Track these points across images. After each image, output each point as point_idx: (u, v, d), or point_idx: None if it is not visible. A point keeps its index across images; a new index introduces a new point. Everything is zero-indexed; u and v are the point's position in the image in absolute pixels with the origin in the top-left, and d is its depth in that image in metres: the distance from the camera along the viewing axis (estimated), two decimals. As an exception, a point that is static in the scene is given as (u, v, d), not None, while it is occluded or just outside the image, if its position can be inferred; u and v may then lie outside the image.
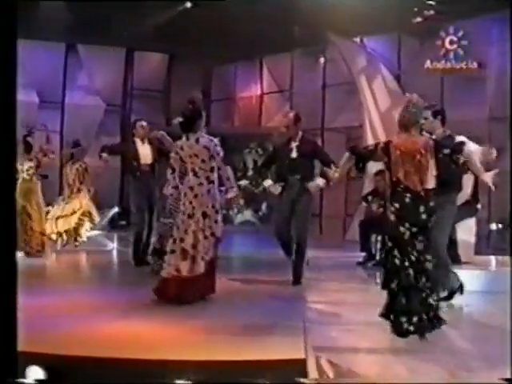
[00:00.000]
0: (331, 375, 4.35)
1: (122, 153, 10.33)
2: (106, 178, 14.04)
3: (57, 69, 17.72)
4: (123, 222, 16.48)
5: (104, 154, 9.87)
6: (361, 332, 5.76)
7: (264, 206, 16.84)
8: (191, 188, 7.04)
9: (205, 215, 6.99)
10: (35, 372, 4.40)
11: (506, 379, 4.24)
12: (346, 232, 15.72)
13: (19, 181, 10.63)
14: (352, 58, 15.43)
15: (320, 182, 8.23)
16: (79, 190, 11.85)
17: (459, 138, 7.20)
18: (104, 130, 17.86)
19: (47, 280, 8.69)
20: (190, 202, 7.01)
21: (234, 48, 17.34)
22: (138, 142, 9.73)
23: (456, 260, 9.58)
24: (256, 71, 18.83)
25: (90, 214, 11.92)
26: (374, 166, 9.13)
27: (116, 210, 15.69)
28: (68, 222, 11.64)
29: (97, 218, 12.21)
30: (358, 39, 15.98)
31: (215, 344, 5.10)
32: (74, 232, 11.78)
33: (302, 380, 4.22)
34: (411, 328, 5.43)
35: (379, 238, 9.73)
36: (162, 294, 6.88)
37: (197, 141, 7.01)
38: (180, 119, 7.04)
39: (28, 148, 10.73)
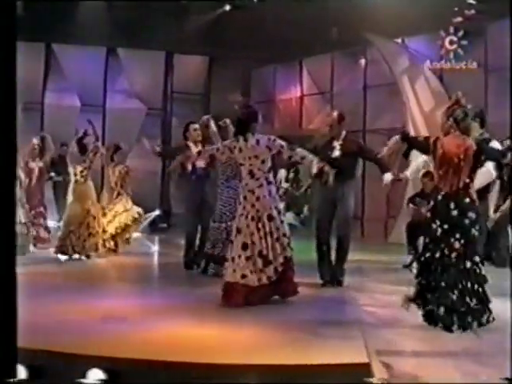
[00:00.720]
0: (397, 379, 4.31)
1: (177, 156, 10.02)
2: (147, 182, 14.15)
3: (98, 73, 17.86)
4: (164, 225, 16.57)
5: (157, 148, 9.86)
6: (417, 335, 5.71)
7: (305, 209, 16.72)
8: (252, 191, 6.99)
9: (270, 218, 6.95)
10: (96, 375, 4.39)
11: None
12: (387, 234, 15.55)
13: (72, 184, 10.79)
14: (394, 59, 15.26)
15: (389, 175, 8.17)
16: (121, 194, 11.85)
17: (494, 143, 7.18)
18: (145, 134, 17.61)
19: (102, 282, 8.70)
20: (253, 205, 6.97)
21: (274, 50, 17.24)
22: (192, 145, 9.53)
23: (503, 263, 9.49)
24: (296, 73, 18.70)
25: (134, 217, 11.89)
26: (414, 167, 9.11)
27: (157, 212, 15.72)
28: (112, 225, 11.63)
29: (141, 221, 12.25)
30: (399, 40, 15.78)
31: (275, 348, 5.06)
32: (119, 235, 11.77)
33: (370, 380, 4.18)
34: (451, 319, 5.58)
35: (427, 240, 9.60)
36: (230, 299, 6.82)
37: (257, 142, 7.00)
38: (227, 121, 6.98)
39: (83, 150, 10.78)
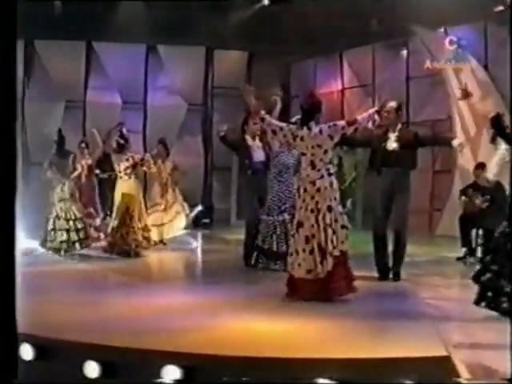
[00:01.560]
0: (480, 374, 4.22)
1: (236, 149, 9.98)
2: (189, 177, 14.14)
3: (138, 70, 17.86)
4: (206, 220, 16.54)
5: (222, 132, 9.70)
6: (493, 327, 5.58)
7: (349, 203, 16.60)
8: (312, 182, 6.90)
9: (330, 209, 6.84)
10: (172, 371, 4.33)
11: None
12: (431, 227, 15.37)
13: (118, 181, 10.88)
14: (438, 50, 15.04)
15: (456, 140, 8.15)
16: (173, 189, 11.93)
17: None
18: (186, 130, 18.01)
19: (155, 279, 8.74)
20: (312, 197, 6.87)
21: (313, 43, 17.11)
22: (249, 138, 9.54)
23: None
24: (336, 66, 18.49)
25: (182, 213, 11.98)
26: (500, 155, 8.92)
27: (199, 208, 15.72)
28: (170, 226, 11.75)
29: (188, 216, 12.35)
30: (441, 30, 15.50)
31: (350, 341, 5.00)
32: (166, 230, 11.86)
33: (459, 380, 4.08)
34: None
35: (480, 232, 9.47)
36: (294, 293, 6.79)
37: (320, 131, 6.93)
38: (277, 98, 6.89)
39: (121, 148, 10.84)
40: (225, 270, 9.17)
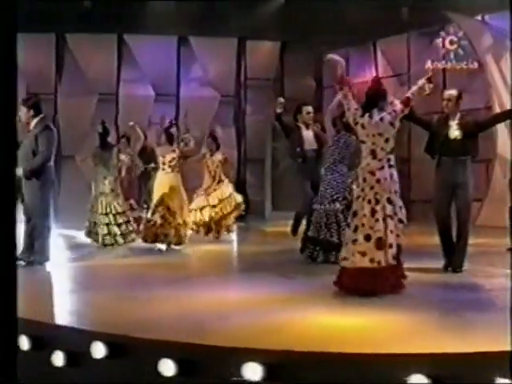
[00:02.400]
0: None
1: (288, 133, 9.78)
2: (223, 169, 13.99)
3: (170, 61, 17.77)
4: (242, 213, 16.32)
5: (279, 109, 9.50)
6: None
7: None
8: (372, 172, 6.67)
9: (390, 201, 6.63)
10: (252, 369, 4.23)
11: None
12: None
13: (159, 173, 10.70)
14: (476, 37, 14.78)
15: None
16: (221, 181, 11.81)
17: None
18: (218, 122, 17.65)
19: (212, 272, 8.59)
20: (372, 188, 6.64)
21: (346, 33, 16.82)
22: (303, 127, 9.48)
23: None
24: (369, 55, 18.23)
25: (235, 204, 11.95)
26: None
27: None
28: (214, 211, 11.66)
29: (242, 208, 12.28)
30: (479, 17, 15.30)
31: (434, 336, 4.81)
32: (218, 222, 11.80)
33: None
34: None
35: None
36: (347, 285, 6.60)
37: (381, 119, 6.71)
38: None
39: (171, 139, 10.67)
40: (276, 263, 9.02)
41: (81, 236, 11.27)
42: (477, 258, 8.60)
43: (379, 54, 18.04)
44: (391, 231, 6.57)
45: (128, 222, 10.95)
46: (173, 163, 10.57)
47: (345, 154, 8.72)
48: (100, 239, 10.77)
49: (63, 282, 7.87)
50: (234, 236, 12.60)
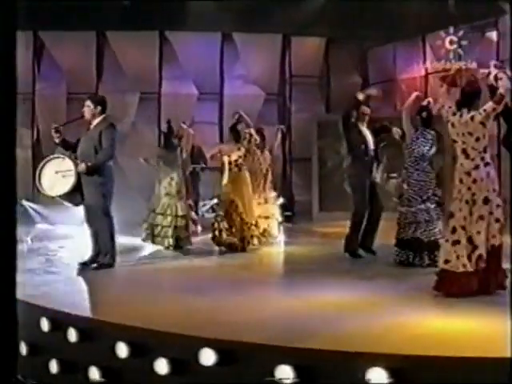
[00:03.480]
0: None
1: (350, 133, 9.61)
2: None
3: (213, 59, 17.41)
4: (288, 213, 15.93)
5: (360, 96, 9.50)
6: None
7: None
8: (467, 173, 6.54)
9: (486, 201, 6.49)
10: (377, 374, 4.14)
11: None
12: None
13: (225, 174, 10.45)
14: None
15: None
16: (269, 181, 11.50)
17: None
18: (263, 120, 16.88)
19: (288, 274, 8.50)
20: (469, 188, 6.51)
21: (393, 27, 16.47)
22: (361, 126, 9.43)
23: None
24: (418, 50, 17.59)
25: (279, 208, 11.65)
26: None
27: (281, 200, 15.17)
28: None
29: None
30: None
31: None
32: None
33: None
34: None
35: None
36: (444, 287, 6.49)
37: (472, 118, 6.55)
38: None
39: (237, 137, 10.46)
40: (348, 265, 8.98)
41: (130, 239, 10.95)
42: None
43: (428, 48, 17.35)
44: (480, 233, 6.44)
45: (187, 225, 10.66)
46: (239, 162, 10.30)
47: (424, 151, 8.47)
48: (160, 241, 10.52)
49: (145, 286, 7.62)
50: (282, 237, 12.12)
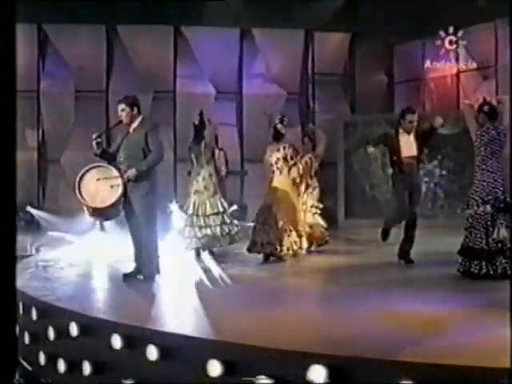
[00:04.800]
0: None
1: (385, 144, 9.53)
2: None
3: (232, 56, 16.67)
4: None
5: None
6: None
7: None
8: None
9: None
10: None
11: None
12: None
13: (272, 175, 9.81)
14: None
15: None
16: (309, 186, 10.69)
17: None
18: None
19: (356, 285, 7.89)
20: None
21: (420, 21, 15.69)
22: (402, 134, 9.03)
23: None
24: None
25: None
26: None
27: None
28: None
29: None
30: None
31: None
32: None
33: None
34: None
35: None
36: None
37: None
38: None
39: (278, 137, 9.84)
40: (409, 275, 8.60)
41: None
42: None
43: (461, 44, 16.34)
44: None
45: (221, 225, 10.03)
46: (279, 164, 9.70)
47: (493, 149, 7.79)
48: (192, 244, 9.96)
49: (215, 298, 7.02)
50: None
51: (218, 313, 6.00)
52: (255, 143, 14.54)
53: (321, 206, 10.90)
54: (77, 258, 9.70)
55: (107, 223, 10.08)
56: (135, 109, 7.95)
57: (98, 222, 10.48)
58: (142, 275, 7.94)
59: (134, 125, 7.93)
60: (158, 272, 8.00)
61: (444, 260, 8.48)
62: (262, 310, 6.15)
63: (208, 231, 9.96)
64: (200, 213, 10.00)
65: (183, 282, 7.90)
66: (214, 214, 10.05)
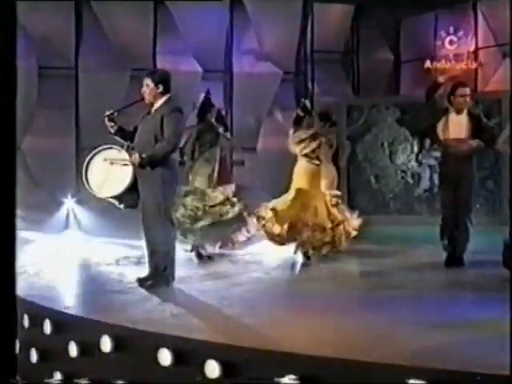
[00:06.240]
0: None
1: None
2: (282, 164, 12.14)
3: (220, 30, 15.43)
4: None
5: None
6: None
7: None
8: None
9: None
10: None
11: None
12: None
13: (298, 165, 9.79)
14: None
15: None
16: None
17: None
18: (277, 104, 15.55)
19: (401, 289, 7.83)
20: None
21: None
22: (452, 111, 8.79)
23: None
24: (467, 20, 15.43)
25: None
26: None
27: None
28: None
29: None
30: None
31: None
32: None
33: None
34: None
35: None
36: None
37: None
38: None
39: (297, 121, 9.98)
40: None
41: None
42: None
43: (480, 17, 15.22)
44: None
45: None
46: (304, 152, 9.67)
47: None
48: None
49: (270, 306, 6.92)
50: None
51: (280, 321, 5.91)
52: (246, 129, 14.23)
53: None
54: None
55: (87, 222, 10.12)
56: (160, 86, 7.39)
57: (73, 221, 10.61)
58: (151, 281, 7.44)
59: (157, 105, 7.45)
60: (173, 279, 7.53)
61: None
62: (332, 318, 6.08)
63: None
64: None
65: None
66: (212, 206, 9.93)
